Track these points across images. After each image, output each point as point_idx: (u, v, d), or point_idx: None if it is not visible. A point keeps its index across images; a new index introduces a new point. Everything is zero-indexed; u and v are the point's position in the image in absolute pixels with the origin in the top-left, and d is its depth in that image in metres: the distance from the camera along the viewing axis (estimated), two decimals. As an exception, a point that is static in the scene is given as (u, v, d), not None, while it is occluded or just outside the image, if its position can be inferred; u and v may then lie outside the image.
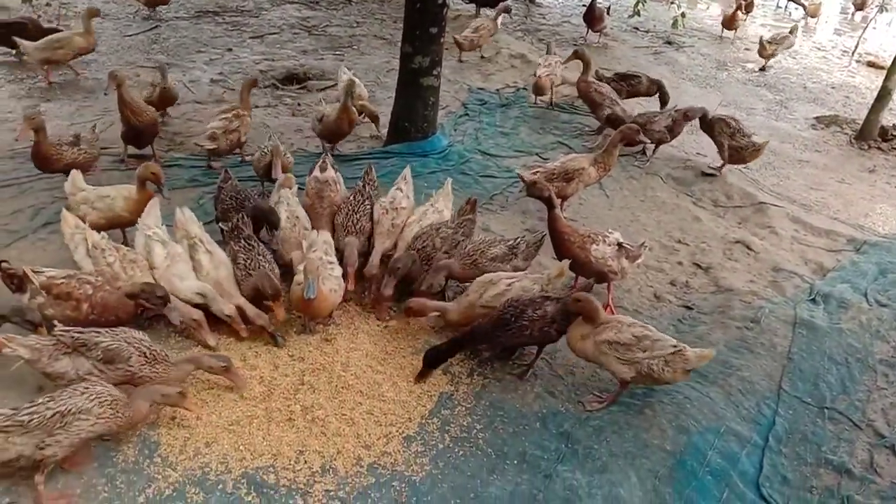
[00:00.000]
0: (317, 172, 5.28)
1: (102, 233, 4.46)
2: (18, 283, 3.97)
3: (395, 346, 4.44)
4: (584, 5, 11.95)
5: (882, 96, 8.52)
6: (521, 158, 7.19)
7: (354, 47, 10.46)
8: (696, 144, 8.02)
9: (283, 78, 8.89)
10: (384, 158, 6.82)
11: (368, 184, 5.30)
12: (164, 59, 9.15)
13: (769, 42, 11.22)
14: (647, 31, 12.93)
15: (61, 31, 8.35)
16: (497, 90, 9.09)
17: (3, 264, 4.02)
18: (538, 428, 3.91)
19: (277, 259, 4.71)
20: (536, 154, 7.34)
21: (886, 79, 8.48)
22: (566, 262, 4.50)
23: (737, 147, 6.88)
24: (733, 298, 5.21)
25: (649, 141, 7.05)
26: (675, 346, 3.87)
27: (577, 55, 7.86)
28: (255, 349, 4.27)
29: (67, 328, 3.67)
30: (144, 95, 6.78)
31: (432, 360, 4.09)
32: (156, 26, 10.45)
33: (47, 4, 10.74)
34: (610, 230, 4.93)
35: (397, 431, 3.79)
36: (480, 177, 6.70)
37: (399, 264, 4.56)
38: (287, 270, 4.66)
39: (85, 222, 4.48)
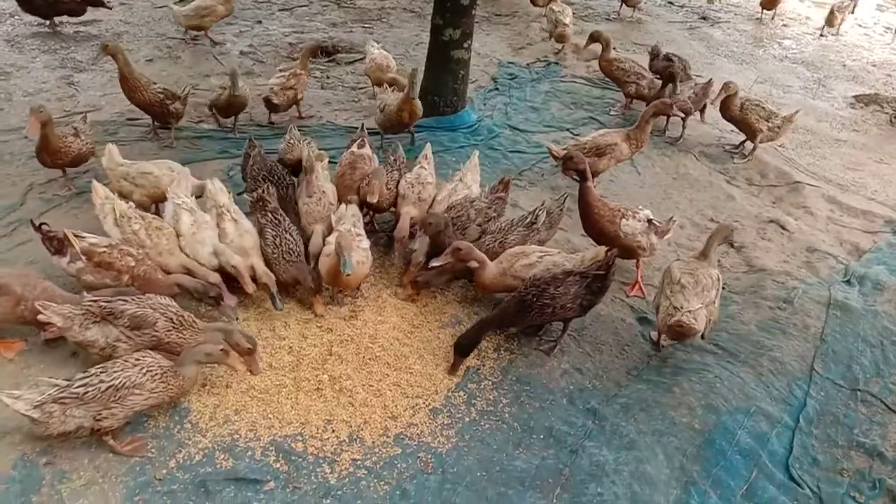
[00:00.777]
0: (354, 147, 5.36)
1: (130, 202, 4.51)
2: (58, 245, 4.03)
3: (421, 319, 4.44)
4: (617, -21, 11.69)
5: (926, 74, 8.25)
6: (550, 134, 7.10)
7: (384, 20, 10.37)
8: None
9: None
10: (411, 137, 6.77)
11: (396, 158, 5.36)
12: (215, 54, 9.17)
13: (838, 9, 11.31)
14: (681, 6, 12.64)
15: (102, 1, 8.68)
16: (527, 64, 8.97)
17: (43, 226, 4.09)
18: (565, 404, 3.90)
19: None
20: (567, 130, 7.25)
21: (931, 56, 8.20)
22: (602, 249, 4.40)
23: (774, 127, 6.72)
24: (766, 278, 5.12)
25: (681, 114, 6.97)
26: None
27: (593, 38, 7.81)
28: (285, 319, 4.31)
29: (96, 297, 3.73)
30: (212, 98, 6.66)
31: (464, 349, 4.06)
32: (186, -2, 10.45)
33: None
34: (640, 206, 4.86)
35: (424, 403, 3.81)
36: (509, 152, 6.63)
37: (432, 220, 4.53)
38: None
39: (125, 198, 4.55)
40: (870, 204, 6.44)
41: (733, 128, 7.64)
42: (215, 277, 4.22)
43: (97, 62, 5.79)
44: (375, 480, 3.36)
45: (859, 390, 4.19)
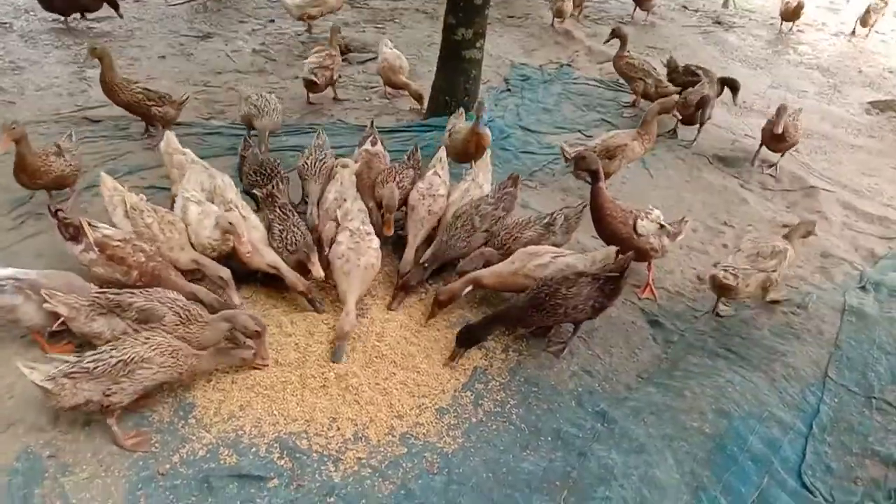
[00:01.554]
0: (368, 145, 5.34)
1: (141, 194, 4.49)
2: (73, 232, 4.03)
3: (431, 320, 4.38)
4: (631, -18, 11.64)
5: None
6: (562, 135, 7.05)
7: (396, 20, 10.36)
8: (744, 126, 7.79)
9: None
10: (424, 132, 6.75)
11: (413, 159, 5.34)
12: (207, 28, 9.20)
13: (874, 10, 11.50)
14: (695, 10, 12.58)
15: None
16: (540, 66, 8.93)
17: (59, 213, 4.08)
18: (573, 406, 3.85)
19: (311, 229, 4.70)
20: (579, 131, 7.20)
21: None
22: (613, 249, 4.36)
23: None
24: (780, 283, 5.04)
25: (681, 117, 7.12)
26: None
27: (615, 34, 7.91)
28: (292, 317, 4.27)
29: (103, 289, 3.71)
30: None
31: (465, 340, 4.03)
32: (200, -4, 10.49)
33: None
34: (650, 207, 4.80)
35: (430, 403, 3.77)
36: (521, 153, 6.59)
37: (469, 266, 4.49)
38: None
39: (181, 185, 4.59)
40: (886, 210, 6.36)
41: (748, 132, 7.58)
42: (225, 273, 4.20)
43: (85, 65, 5.68)
44: (380, 479, 3.32)
45: (874, 398, 4.11)
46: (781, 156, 6.76)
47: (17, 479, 3.14)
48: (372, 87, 7.92)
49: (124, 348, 3.34)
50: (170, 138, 4.98)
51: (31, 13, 8.97)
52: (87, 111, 6.66)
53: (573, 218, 4.80)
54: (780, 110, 6.25)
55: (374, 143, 5.35)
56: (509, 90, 8.11)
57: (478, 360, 4.10)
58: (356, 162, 5.12)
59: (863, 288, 5.10)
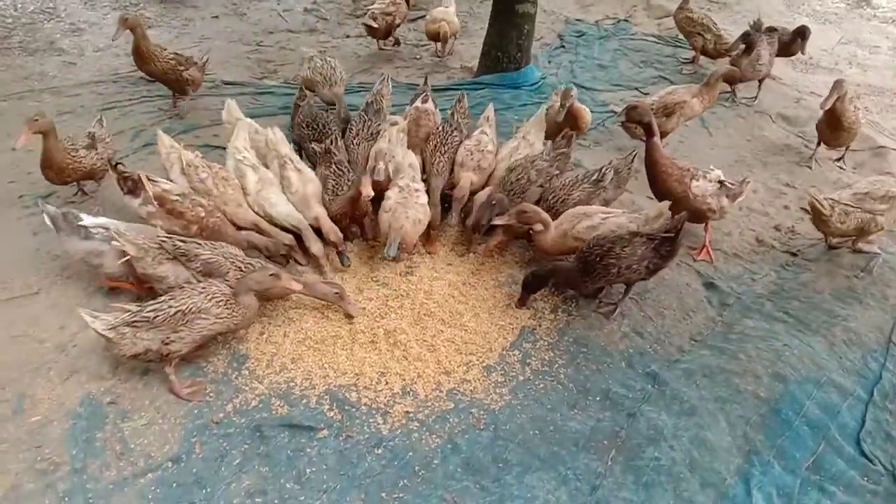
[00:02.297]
0: (418, 102, 5.33)
1: (196, 152, 4.57)
2: (132, 186, 4.14)
3: (477, 278, 4.40)
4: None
5: None
6: (618, 93, 6.87)
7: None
8: (809, 83, 7.43)
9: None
10: (475, 89, 6.66)
11: (459, 112, 5.25)
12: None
13: None
14: (762, -38, 11.97)
15: None
16: (596, 22, 8.67)
17: (119, 166, 4.20)
18: (623, 367, 3.81)
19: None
20: (636, 89, 7.00)
21: None
22: (666, 204, 4.25)
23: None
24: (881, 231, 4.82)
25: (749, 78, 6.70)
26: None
27: None
28: (342, 273, 4.34)
29: (170, 236, 3.83)
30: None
31: (533, 284, 4.05)
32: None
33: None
34: (711, 167, 4.65)
35: (477, 360, 3.78)
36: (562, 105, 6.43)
37: (496, 200, 4.43)
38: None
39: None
40: (962, 171, 6.02)
41: (813, 89, 7.25)
42: (288, 238, 4.27)
43: (117, 37, 5.58)
44: (427, 433, 3.36)
45: (942, 366, 3.95)
46: (846, 149, 6.05)
47: (81, 423, 3.29)
48: (422, 45, 7.84)
49: (182, 298, 3.43)
50: (231, 106, 5.03)
51: (90, -25, 9.13)
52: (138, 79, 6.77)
53: (623, 170, 4.68)
54: (836, 86, 5.27)
55: (424, 101, 5.32)
56: (563, 47, 7.91)
57: (525, 320, 4.08)
58: (405, 119, 5.10)
59: (934, 252, 4.86)
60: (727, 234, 4.95)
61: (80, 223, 3.84)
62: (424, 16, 8.21)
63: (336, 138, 4.91)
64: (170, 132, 5.17)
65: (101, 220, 3.91)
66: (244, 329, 3.77)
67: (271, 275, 3.60)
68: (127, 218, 4.14)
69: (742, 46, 6.52)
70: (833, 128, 5.57)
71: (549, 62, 7.49)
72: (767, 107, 6.78)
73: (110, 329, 3.35)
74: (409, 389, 3.58)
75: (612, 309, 4.18)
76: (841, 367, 3.87)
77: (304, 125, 5.04)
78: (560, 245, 4.24)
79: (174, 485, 3.08)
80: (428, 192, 4.57)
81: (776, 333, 4.03)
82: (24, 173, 5.03)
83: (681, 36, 7.84)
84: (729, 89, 6.88)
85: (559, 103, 5.24)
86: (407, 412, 3.46)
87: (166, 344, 3.37)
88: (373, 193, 4.22)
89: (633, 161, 4.72)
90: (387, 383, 3.60)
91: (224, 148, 4.83)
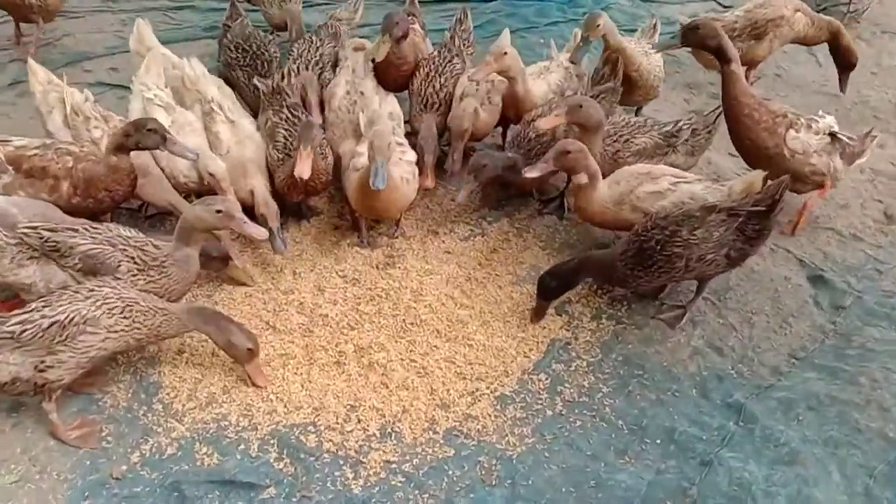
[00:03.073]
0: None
1: (88, 93, 4.57)
2: None
3: (488, 270, 4.43)
4: None
5: None
6: (688, 5, 6.89)
7: None
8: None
9: None
10: (484, 1, 6.67)
11: (460, 35, 5.28)
12: None
13: None
14: None
15: None
16: None
17: None
18: (694, 396, 3.84)
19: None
20: (715, 0, 7.01)
21: None
22: (759, 175, 4.23)
23: None
24: None
25: None
26: None
27: None
28: (294, 266, 4.38)
29: (34, 223, 3.78)
30: None
31: (549, 289, 4.03)
32: None
33: None
34: (820, 112, 4.66)
35: (488, 388, 3.81)
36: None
37: (486, 161, 4.49)
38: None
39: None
40: None
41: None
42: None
43: None
44: (417, 492, 3.38)
45: None
46: None
47: (-75, 481, 3.32)
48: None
49: (61, 305, 3.41)
50: (142, 30, 5.05)
51: None
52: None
53: (703, 133, 4.70)
54: None
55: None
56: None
57: (557, 331, 4.11)
58: (384, 44, 5.08)
59: None
60: (843, 208, 4.98)
61: None
62: None
63: (291, 72, 4.91)
64: (48, 64, 5.17)
65: None
66: (159, 341, 3.79)
67: (218, 210, 3.62)
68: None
69: None
70: None
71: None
72: (899, 24, 6.81)
73: None
74: (390, 430, 3.60)
75: (678, 314, 4.21)
76: None
77: (231, 48, 5.07)
78: (611, 213, 4.24)
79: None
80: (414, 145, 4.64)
81: (912, 350, 4.07)
82: None
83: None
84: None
85: (580, 36, 5.07)
86: (387, 462, 3.48)
87: (41, 371, 3.37)
88: (307, 174, 4.20)
89: (716, 122, 4.73)
90: (359, 421, 3.63)
91: (128, 87, 4.84)
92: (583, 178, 4.18)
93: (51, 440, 3.48)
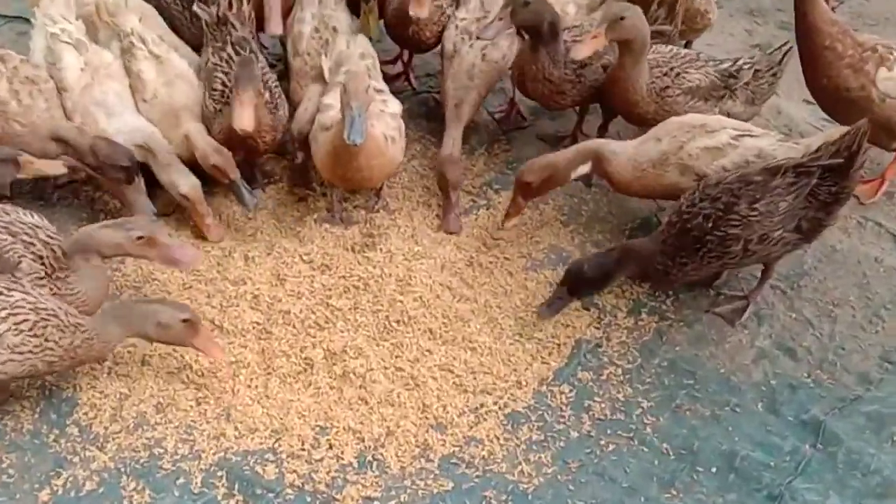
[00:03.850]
0: None
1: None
2: None
3: (495, 252, 4.46)
4: None
5: None
6: None
7: None
8: None
9: None
10: None
11: None
12: None
13: None
14: None
15: None
16: None
17: None
18: (759, 412, 3.87)
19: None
20: None
21: None
22: (839, 132, 4.21)
23: None
24: None
25: None
26: None
27: None
28: (246, 247, 4.39)
29: None
30: None
31: (581, 282, 3.99)
32: None
33: None
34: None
35: (495, 404, 3.83)
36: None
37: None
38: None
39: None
40: None
41: None
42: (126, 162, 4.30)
43: None
44: (405, 536, 3.43)
45: None
46: None
47: None
48: None
49: None
50: None
51: None
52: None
53: (766, 75, 4.71)
54: None
55: None
56: None
57: (583, 330, 4.14)
58: (370, 14, 5.07)
59: None
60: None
61: None
62: None
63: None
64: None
65: None
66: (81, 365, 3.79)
67: (138, 238, 3.64)
68: None
69: None
70: None
71: None
72: None
73: None
74: (370, 458, 3.62)
75: (739, 307, 4.24)
76: None
77: None
78: (651, 176, 4.26)
79: None
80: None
81: None
82: None
83: None
84: None
85: None
86: (368, 499, 3.50)
87: None
88: (251, 128, 4.21)
89: (782, 61, 4.74)
90: (331, 447, 3.64)
91: (28, 20, 4.83)
92: (582, 170, 4.28)
93: (-62, 474, 3.51)
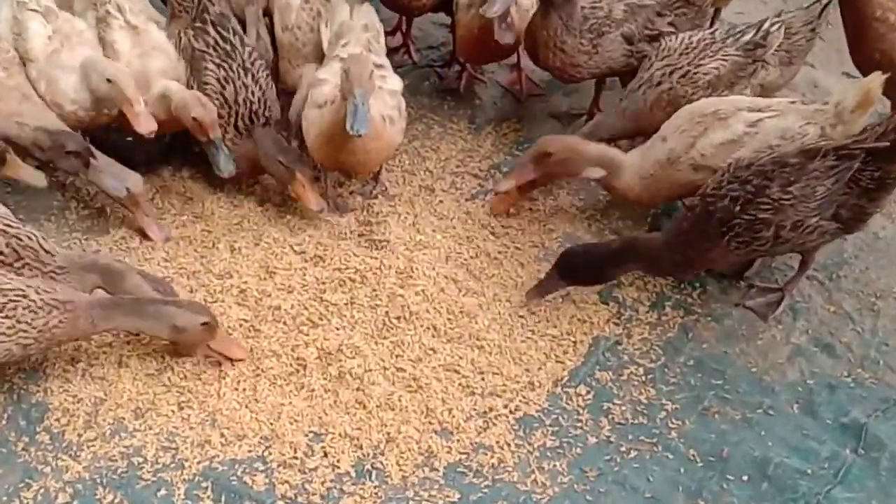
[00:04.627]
0: None
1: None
2: None
3: (504, 241, 4.48)
4: None
5: None
6: None
7: None
8: None
9: None
10: None
11: None
12: None
13: None
14: None
15: None
16: None
17: None
18: (795, 414, 3.87)
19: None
20: None
21: None
22: (876, 79, 4.22)
23: None
24: None
25: None
26: None
27: None
28: (233, 239, 4.40)
29: None
30: None
31: (571, 268, 4.03)
32: None
33: None
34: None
35: (505, 407, 3.84)
36: None
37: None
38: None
39: None
40: None
41: None
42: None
43: None
44: (407, 552, 3.44)
45: None
46: None
47: None
48: None
49: None
50: None
51: None
52: None
53: (802, 30, 4.68)
54: None
55: None
56: None
57: (602, 326, 4.15)
58: None
59: None
60: None
61: None
62: None
63: None
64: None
65: None
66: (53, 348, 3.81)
67: (204, 324, 3.71)
68: None
69: None
70: None
71: None
72: None
73: None
74: (369, 467, 3.62)
75: (772, 300, 4.24)
76: None
77: None
78: (661, 177, 4.28)
79: None
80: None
81: None
82: None
83: None
84: None
85: None
86: (366, 511, 3.53)
87: None
88: (322, 206, 4.32)
89: (821, 14, 4.70)
90: (326, 455, 3.65)
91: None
92: (595, 172, 4.25)
93: None
